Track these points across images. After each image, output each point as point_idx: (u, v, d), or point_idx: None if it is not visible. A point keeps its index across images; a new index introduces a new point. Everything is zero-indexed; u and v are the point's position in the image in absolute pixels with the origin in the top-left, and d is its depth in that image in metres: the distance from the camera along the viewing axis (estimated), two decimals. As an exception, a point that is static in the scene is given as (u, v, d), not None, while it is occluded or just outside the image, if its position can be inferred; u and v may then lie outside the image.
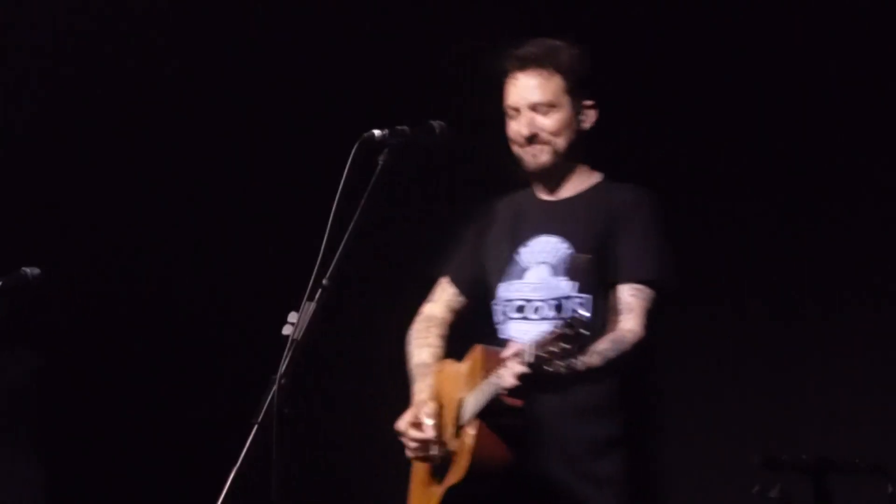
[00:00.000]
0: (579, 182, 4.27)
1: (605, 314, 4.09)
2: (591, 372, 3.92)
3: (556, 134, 4.21)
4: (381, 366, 4.54)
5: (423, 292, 4.51)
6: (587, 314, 3.86)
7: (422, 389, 4.32)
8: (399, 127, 4.03)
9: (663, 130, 6.06)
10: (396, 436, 4.25)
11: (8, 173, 6.36)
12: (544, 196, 4.31)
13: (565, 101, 4.21)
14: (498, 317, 4.29)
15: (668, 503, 4.20)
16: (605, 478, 4.09)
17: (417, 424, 4.21)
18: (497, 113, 4.33)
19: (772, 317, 6.18)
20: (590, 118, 4.25)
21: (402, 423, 4.24)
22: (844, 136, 5.94)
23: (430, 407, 4.22)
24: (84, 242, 6.35)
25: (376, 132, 3.99)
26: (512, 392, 3.85)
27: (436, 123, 4.17)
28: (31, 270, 5.16)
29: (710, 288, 6.24)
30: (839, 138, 5.95)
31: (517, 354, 3.80)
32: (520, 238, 4.27)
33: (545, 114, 4.21)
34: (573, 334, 3.65)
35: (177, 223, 6.66)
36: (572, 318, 3.68)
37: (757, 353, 6.20)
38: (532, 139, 4.21)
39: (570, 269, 4.13)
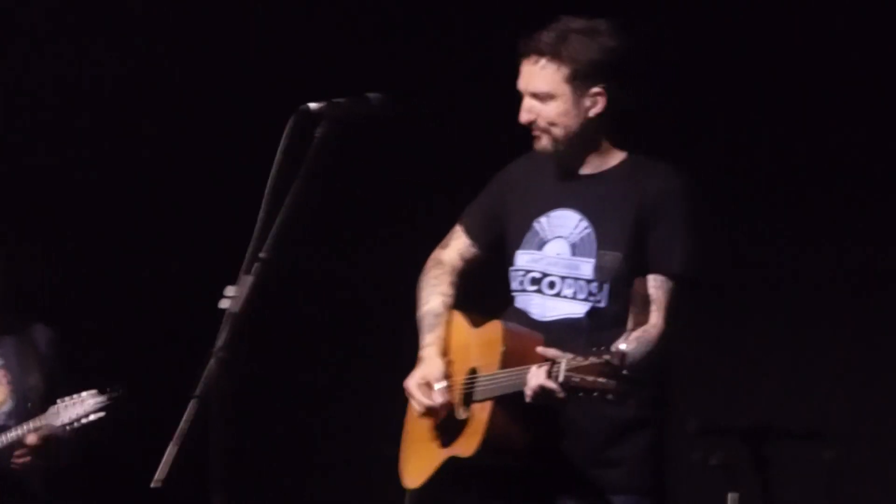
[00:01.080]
0: (601, 160, 4.23)
1: (623, 300, 4.07)
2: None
3: (553, 123, 4.18)
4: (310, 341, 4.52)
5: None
6: (627, 348, 3.84)
7: (431, 342, 4.30)
8: (336, 99, 4.04)
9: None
10: (403, 392, 4.23)
11: None
12: (566, 170, 4.27)
13: (565, 90, 4.16)
14: (514, 285, 4.27)
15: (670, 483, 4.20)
16: (624, 459, 4.10)
17: (427, 385, 4.20)
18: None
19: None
20: (598, 105, 4.18)
21: (412, 384, 4.22)
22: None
23: (440, 367, 4.22)
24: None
25: (312, 105, 3.98)
26: (533, 401, 3.86)
27: (372, 95, 4.18)
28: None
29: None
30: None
31: (550, 365, 3.81)
32: (539, 207, 4.25)
33: (543, 102, 4.19)
34: (613, 371, 3.68)
35: (117, 196, 6.64)
36: (614, 352, 3.69)
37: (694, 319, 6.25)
38: (531, 125, 4.21)
39: (600, 268, 4.12)
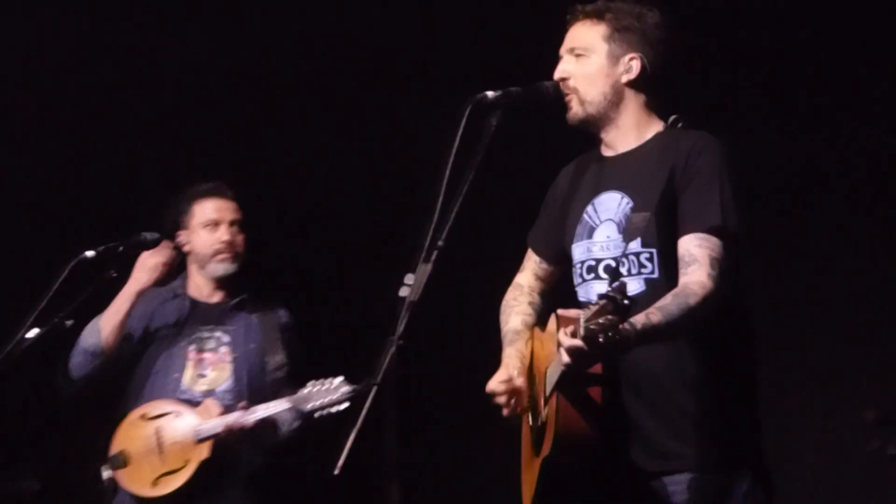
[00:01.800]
0: (639, 134, 4.18)
1: (674, 267, 3.99)
2: (656, 330, 3.82)
3: (581, 79, 4.15)
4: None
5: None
6: (626, 280, 3.84)
7: (510, 355, 4.30)
8: (512, 88, 4.04)
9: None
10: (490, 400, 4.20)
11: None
12: (607, 152, 4.23)
13: (601, 48, 4.15)
14: (576, 279, 4.24)
15: (766, 466, 4.06)
16: (698, 430, 3.99)
17: (508, 380, 4.19)
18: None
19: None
20: (634, 70, 4.15)
21: (493, 383, 4.20)
22: None
23: (518, 368, 4.21)
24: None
25: (489, 93, 4.00)
26: (573, 366, 3.78)
27: (549, 84, 4.17)
28: (150, 235, 5.35)
29: (819, 242, 6.20)
30: None
31: (574, 326, 3.74)
32: (587, 197, 4.21)
33: (579, 59, 4.17)
34: (615, 304, 3.59)
35: (297, 188, 6.73)
36: (614, 286, 3.61)
37: (871, 305, 6.14)
38: (562, 80, 4.16)
39: (626, 229, 4.07)
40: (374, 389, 3.61)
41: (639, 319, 3.80)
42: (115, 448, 5.43)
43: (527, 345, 4.32)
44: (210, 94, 6.68)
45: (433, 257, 3.73)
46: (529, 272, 4.45)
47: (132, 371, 5.55)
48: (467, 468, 6.49)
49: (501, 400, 4.19)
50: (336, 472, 3.56)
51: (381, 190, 6.75)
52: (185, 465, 5.35)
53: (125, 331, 5.52)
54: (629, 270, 4.06)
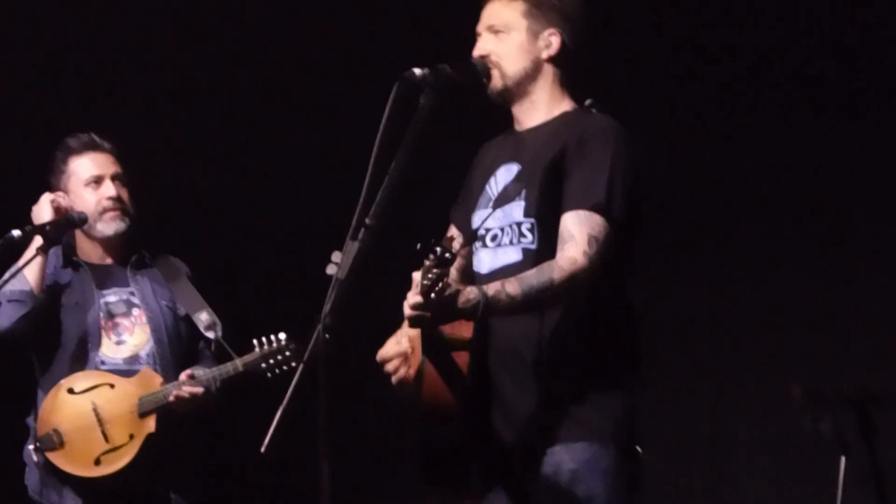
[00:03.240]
0: (548, 111, 4.18)
1: (554, 241, 3.96)
2: (511, 299, 3.82)
3: (503, 56, 4.15)
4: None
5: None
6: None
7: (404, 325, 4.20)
8: (440, 66, 4.04)
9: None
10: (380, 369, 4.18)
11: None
12: (517, 127, 4.24)
13: (521, 24, 4.15)
14: (473, 248, 4.24)
15: (636, 439, 4.03)
16: (558, 404, 3.97)
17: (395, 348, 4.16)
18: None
19: (815, 243, 6.18)
20: (553, 46, 4.15)
21: (381, 351, 4.16)
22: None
23: (406, 332, 4.13)
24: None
25: (417, 71, 3.99)
26: (413, 322, 3.79)
27: (477, 61, 4.18)
28: (77, 214, 5.21)
29: (746, 212, 6.25)
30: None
31: (414, 285, 3.75)
32: (491, 169, 4.21)
33: (496, 35, 4.18)
34: (437, 256, 3.62)
35: (230, 164, 6.71)
36: (439, 244, 3.64)
37: (798, 281, 6.20)
38: (482, 58, 4.16)
39: (500, 196, 4.08)
40: (301, 367, 3.62)
41: (493, 287, 3.82)
42: (44, 428, 5.09)
43: None
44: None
45: (361, 235, 3.72)
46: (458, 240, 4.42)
47: (40, 342, 5.20)
48: (396, 446, 6.49)
49: (390, 367, 4.14)
50: (262, 450, 3.57)
51: (313, 168, 6.74)
52: (129, 440, 5.09)
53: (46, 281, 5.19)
54: (511, 240, 4.06)
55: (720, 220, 6.36)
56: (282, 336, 5.16)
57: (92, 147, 5.31)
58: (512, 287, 3.84)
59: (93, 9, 6.34)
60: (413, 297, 3.74)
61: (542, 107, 4.18)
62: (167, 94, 6.67)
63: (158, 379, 5.16)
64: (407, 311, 3.78)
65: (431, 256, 3.64)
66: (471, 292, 3.79)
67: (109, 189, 5.25)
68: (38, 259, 5.11)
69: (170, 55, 6.57)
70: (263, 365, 5.16)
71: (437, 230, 4.43)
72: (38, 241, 5.11)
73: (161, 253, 5.44)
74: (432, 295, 3.68)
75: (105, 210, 5.24)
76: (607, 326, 4.02)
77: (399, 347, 4.13)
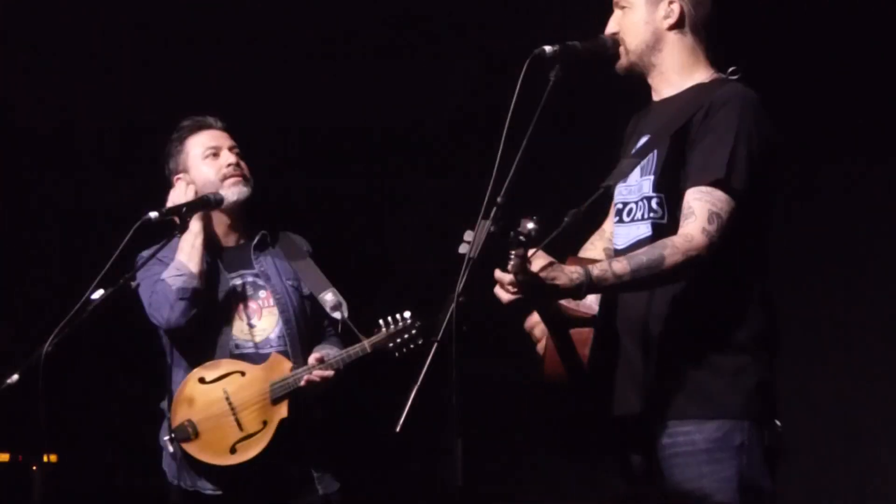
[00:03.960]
0: (681, 80, 4.15)
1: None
2: (617, 277, 3.80)
3: (626, 31, 4.15)
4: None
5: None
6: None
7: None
8: (570, 42, 4.02)
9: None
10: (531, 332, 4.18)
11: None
12: (655, 97, 4.22)
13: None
14: (613, 219, 4.24)
15: (774, 413, 4.01)
16: (687, 385, 3.95)
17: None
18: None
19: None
20: (673, 15, 4.12)
21: (528, 320, 4.18)
22: None
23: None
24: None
25: (547, 48, 3.98)
26: (511, 307, 3.80)
27: (608, 37, 4.16)
28: (213, 195, 5.26)
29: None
30: None
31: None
32: (632, 142, 4.20)
33: (622, 10, 4.18)
34: (515, 241, 3.60)
35: (353, 145, 6.74)
36: (519, 228, 3.61)
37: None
38: (614, 37, 4.17)
39: (643, 166, 4.06)
40: (436, 346, 3.63)
41: (600, 265, 3.82)
42: (178, 418, 5.14)
43: None
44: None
45: (493, 214, 3.72)
46: (611, 219, 4.39)
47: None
48: (528, 422, 6.49)
49: (536, 334, 4.16)
50: (397, 429, 3.58)
51: (442, 147, 6.74)
52: (263, 427, 5.12)
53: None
54: (643, 214, 4.05)
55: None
56: (407, 314, 5.19)
57: (205, 126, 5.39)
58: (620, 266, 3.83)
59: None
60: (505, 276, 3.74)
61: (673, 77, 4.16)
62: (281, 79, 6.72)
63: (288, 364, 5.19)
64: (501, 294, 3.79)
65: (513, 240, 3.63)
66: (574, 272, 3.78)
67: (228, 157, 5.31)
68: (199, 247, 5.19)
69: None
70: (391, 345, 5.19)
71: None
72: (196, 226, 5.18)
73: (282, 230, 5.47)
74: (519, 277, 3.67)
75: (226, 177, 5.29)
76: (739, 302, 3.99)
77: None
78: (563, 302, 3.97)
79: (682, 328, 3.97)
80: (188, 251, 5.18)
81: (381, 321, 5.21)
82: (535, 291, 3.76)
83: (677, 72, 4.16)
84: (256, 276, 5.33)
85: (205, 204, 5.20)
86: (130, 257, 5.14)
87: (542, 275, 3.74)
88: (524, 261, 3.66)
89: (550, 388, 4.03)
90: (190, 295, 5.13)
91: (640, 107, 4.29)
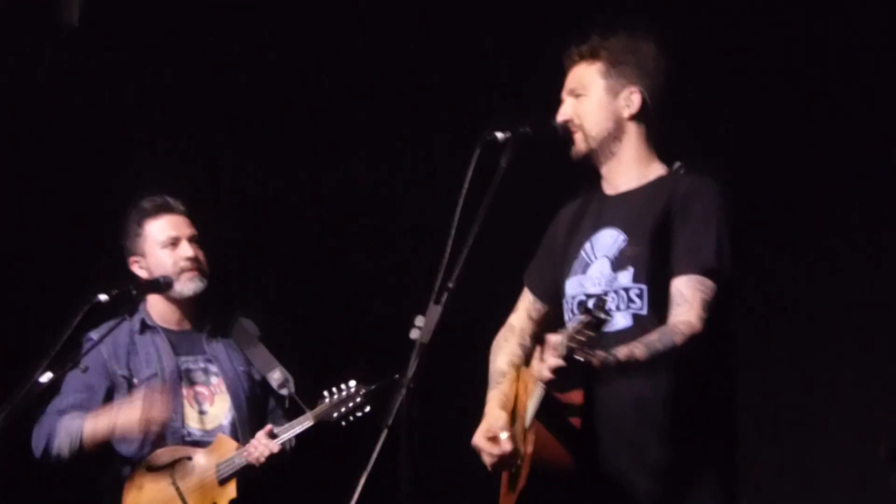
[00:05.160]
0: (640, 172, 4.19)
1: (663, 306, 4.00)
2: (640, 363, 3.87)
3: (584, 116, 4.17)
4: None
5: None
6: (607, 297, 3.89)
7: (492, 398, 4.27)
8: (521, 128, 4.05)
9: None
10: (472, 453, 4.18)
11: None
12: (608, 189, 4.24)
13: (599, 84, 4.18)
14: (566, 315, 4.23)
15: (742, 498, 4.08)
16: (670, 469, 4.00)
17: (493, 438, 4.14)
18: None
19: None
20: (634, 103, 4.17)
21: (478, 438, 4.16)
22: None
23: (502, 419, 4.18)
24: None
25: (498, 133, 4.01)
26: (552, 385, 3.82)
27: (559, 124, 4.19)
28: (163, 278, 5.24)
29: (827, 278, 6.16)
30: None
31: (552, 348, 3.76)
32: (585, 234, 4.21)
33: (577, 98, 4.20)
34: (594, 319, 3.62)
35: (302, 226, 6.72)
36: (594, 303, 3.64)
37: (878, 340, 6.11)
38: (566, 125, 4.18)
39: (617, 260, 4.08)
40: (385, 432, 3.62)
41: (622, 351, 3.85)
42: None
43: (511, 386, 4.29)
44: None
45: (444, 299, 3.73)
46: (523, 312, 4.42)
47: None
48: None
49: (486, 459, 4.15)
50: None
51: (392, 230, 6.74)
52: None
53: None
54: (618, 306, 4.06)
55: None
56: (352, 383, 5.13)
57: (167, 209, 5.32)
58: (640, 351, 3.89)
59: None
60: (553, 360, 3.75)
61: (632, 167, 4.20)
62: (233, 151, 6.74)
63: (233, 444, 5.16)
64: (544, 372, 3.79)
65: (585, 317, 3.63)
66: (601, 355, 3.80)
67: (187, 250, 5.25)
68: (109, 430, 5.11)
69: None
70: (335, 415, 5.13)
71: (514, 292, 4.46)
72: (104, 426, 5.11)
73: (233, 313, 5.44)
74: (579, 356, 3.69)
75: (183, 270, 5.24)
76: (709, 388, 4.04)
77: (501, 448, 4.10)
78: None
79: (660, 417, 4.00)
80: (98, 429, 5.13)
81: (325, 391, 5.17)
82: (576, 373, 3.80)
83: (636, 162, 4.19)
84: (209, 360, 5.31)
85: (154, 287, 5.19)
86: (79, 338, 5.11)
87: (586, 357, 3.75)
88: (598, 337, 3.68)
89: (541, 476, 3.98)
90: (69, 456, 5.13)
91: (572, 196, 4.34)
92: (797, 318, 6.12)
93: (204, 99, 6.56)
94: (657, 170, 4.20)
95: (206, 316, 5.37)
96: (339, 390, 5.15)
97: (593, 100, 4.18)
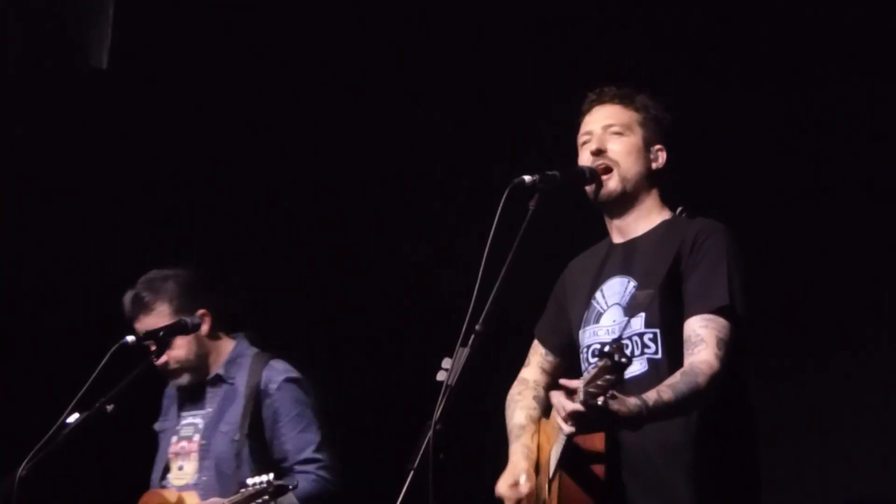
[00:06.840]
0: (649, 220, 4.23)
1: (677, 349, 4.00)
2: (667, 407, 3.84)
3: (624, 155, 4.21)
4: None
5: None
6: (624, 340, 3.90)
7: (515, 451, 4.30)
8: (549, 172, 4.06)
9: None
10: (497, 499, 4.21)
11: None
12: (618, 239, 4.27)
13: (637, 131, 4.23)
14: (582, 365, 4.25)
15: None
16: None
17: (515, 485, 4.18)
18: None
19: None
20: (660, 159, 4.25)
21: (501, 486, 4.21)
22: None
23: (525, 467, 4.20)
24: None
25: (526, 177, 4.02)
26: (576, 432, 3.78)
27: (586, 167, 4.19)
28: (190, 319, 5.24)
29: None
30: None
31: (571, 394, 3.74)
32: (596, 284, 4.24)
33: (617, 135, 4.23)
34: (613, 363, 3.58)
35: (332, 270, 6.74)
36: (610, 346, 3.59)
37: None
38: (600, 153, 4.20)
39: (629, 305, 4.09)
40: (412, 474, 3.61)
41: (650, 396, 3.82)
42: None
43: (533, 438, 4.32)
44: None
45: (471, 341, 3.73)
46: (535, 366, 4.46)
47: None
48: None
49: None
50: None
51: (422, 276, 6.75)
52: None
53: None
54: (632, 351, 4.06)
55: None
56: (270, 476, 4.96)
57: (134, 313, 5.27)
58: (666, 395, 3.86)
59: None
60: (571, 406, 3.72)
61: (645, 217, 4.24)
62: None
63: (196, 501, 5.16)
64: (564, 424, 3.77)
65: (605, 361, 3.61)
66: (631, 402, 3.78)
67: (154, 360, 5.20)
68: None
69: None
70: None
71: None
72: None
73: (261, 356, 5.36)
74: (598, 401, 3.66)
75: (162, 374, 5.28)
76: (730, 428, 4.05)
77: (517, 491, 4.15)
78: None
79: (685, 461, 4.00)
80: None
81: (248, 481, 5.00)
82: (598, 420, 3.76)
83: (651, 212, 4.24)
84: (201, 416, 5.32)
85: (181, 329, 5.19)
86: (106, 381, 5.12)
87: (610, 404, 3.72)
88: (618, 381, 3.64)
89: None
90: None
91: (581, 249, 4.39)
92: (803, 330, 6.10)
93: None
94: (663, 214, 4.25)
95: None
96: (256, 484, 4.96)
97: (633, 143, 4.23)
